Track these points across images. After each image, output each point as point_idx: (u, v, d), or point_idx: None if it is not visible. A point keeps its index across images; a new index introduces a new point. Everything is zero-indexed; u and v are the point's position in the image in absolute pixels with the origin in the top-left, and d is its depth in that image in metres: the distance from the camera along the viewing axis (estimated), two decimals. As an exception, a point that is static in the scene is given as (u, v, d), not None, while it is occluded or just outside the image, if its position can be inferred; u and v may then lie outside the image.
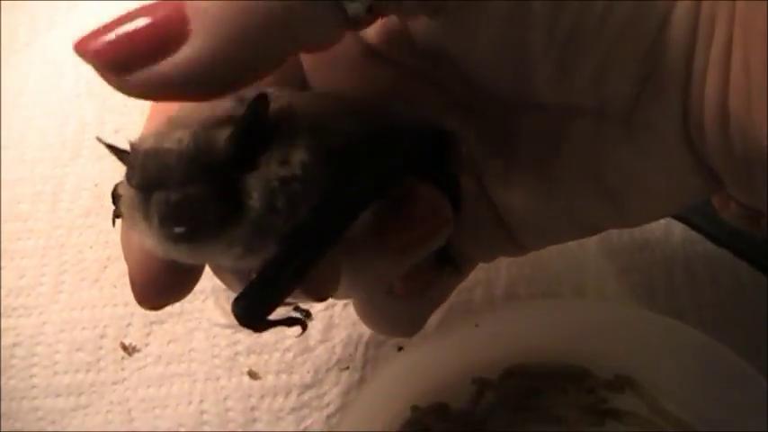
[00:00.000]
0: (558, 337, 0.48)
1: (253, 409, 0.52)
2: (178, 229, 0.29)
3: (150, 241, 0.31)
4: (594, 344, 0.48)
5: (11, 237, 0.57)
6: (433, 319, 0.52)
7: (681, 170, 0.35)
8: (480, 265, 0.53)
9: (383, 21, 0.34)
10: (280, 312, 0.33)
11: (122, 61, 0.29)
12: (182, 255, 0.31)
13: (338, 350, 0.53)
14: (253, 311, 0.32)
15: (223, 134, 0.30)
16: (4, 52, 0.65)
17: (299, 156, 0.31)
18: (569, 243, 0.53)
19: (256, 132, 0.30)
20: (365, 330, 0.53)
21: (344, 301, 0.53)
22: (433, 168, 0.35)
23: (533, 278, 0.54)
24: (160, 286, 0.34)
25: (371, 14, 0.30)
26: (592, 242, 0.54)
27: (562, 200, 0.37)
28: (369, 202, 0.33)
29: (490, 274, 0.54)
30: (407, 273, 0.37)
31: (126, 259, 0.35)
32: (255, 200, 0.30)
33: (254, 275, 0.32)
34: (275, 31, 0.29)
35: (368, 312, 0.41)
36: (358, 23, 0.31)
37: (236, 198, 0.30)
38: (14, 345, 0.53)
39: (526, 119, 0.37)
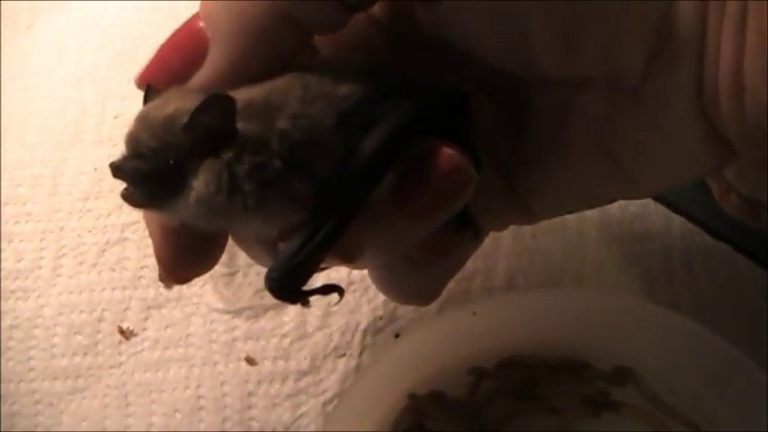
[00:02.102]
0: (556, 327, 0.48)
1: (249, 394, 0.52)
2: (124, 191, 0.33)
3: None
4: (592, 334, 0.48)
5: (9, 219, 0.57)
6: (432, 307, 0.52)
7: (692, 142, 0.35)
8: (479, 254, 0.54)
9: None
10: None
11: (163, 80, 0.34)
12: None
13: (335, 337, 0.53)
14: (287, 284, 0.33)
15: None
16: (6, 35, 0.65)
17: (274, 144, 0.32)
18: (569, 234, 0.54)
19: (210, 126, 0.31)
20: (362, 318, 0.53)
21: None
22: (451, 128, 0.35)
23: (532, 268, 0.54)
24: (184, 258, 0.35)
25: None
26: (591, 232, 0.54)
27: (573, 171, 0.37)
28: (393, 159, 0.33)
29: (489, 264, 0.54)
30: (427, 239, 0.36)
31: (150, 235, 0.36)
32: (199, 182, 0.32)
33: (281, 246, 0.33)
34: (282, 26, 0.33)
35: (384, 280, 0.40)
36: (358, 7, 0.32)
37: (181, 179, 0.32)
38: (12, 327, 0.53)
39: (536, 92, 0.37)
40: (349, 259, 0.34)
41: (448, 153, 0.34)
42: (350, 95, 0.33)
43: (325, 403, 0.51)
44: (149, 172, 0.32)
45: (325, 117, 0.32)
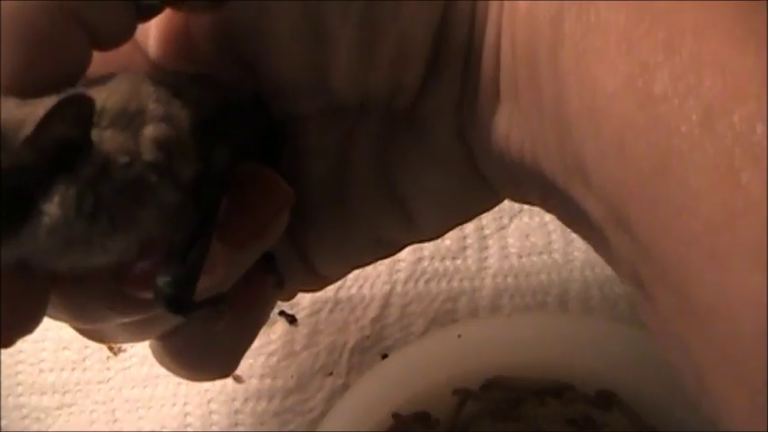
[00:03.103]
0: (541, 350, 0.48)
1: (236, 412, 0.52)
2: None
3: None
4: (577, 358, 0.48)
5: None
6: (418, 328, 0.53)
7: (460, 170, 0.33)
8: (465, 274, 0.54)
9: (164, 34, 0.33)
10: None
11: None
12: None
13: (322, 356, 0.53)
14: (184, 291, 0.30)
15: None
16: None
17: (147, 154, 0.28)
18: (555, 255, 0.54)
19: (62, 137, 0.26)
20: (350, 337, 0.53)
21: (330, 307, 0.53)
22: (268, 156, 0.34)
23: (517, 289, 0.54)
24: (17, 313, 0.28)
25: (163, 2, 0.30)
26: (577, 254, 0.54)
27: (357, 218, 0.35)
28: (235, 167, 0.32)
29: (474, 285, 0.54)
30: (234, 285, 0.33)
31: None
32: (53, 206, 0.26)
33: (159, 260, 0.30)
34: (69, 30, 0.28)
35: (184, 347, 0.34)
36: (152, 12, 0.30)
37: (24, 204, 0.26)
38: (1, 342, 0.54)
39: (317, 127, 0.34)
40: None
41: (267, 179, 0.32)
42: (199, 101, 0.30)
43: (312, 422, 0.51)
44: None
45: (183, 119, 0.30)
